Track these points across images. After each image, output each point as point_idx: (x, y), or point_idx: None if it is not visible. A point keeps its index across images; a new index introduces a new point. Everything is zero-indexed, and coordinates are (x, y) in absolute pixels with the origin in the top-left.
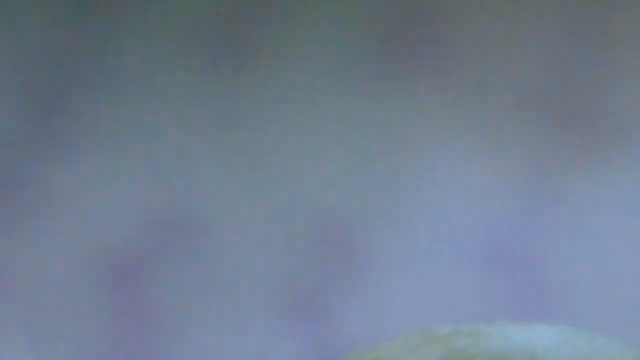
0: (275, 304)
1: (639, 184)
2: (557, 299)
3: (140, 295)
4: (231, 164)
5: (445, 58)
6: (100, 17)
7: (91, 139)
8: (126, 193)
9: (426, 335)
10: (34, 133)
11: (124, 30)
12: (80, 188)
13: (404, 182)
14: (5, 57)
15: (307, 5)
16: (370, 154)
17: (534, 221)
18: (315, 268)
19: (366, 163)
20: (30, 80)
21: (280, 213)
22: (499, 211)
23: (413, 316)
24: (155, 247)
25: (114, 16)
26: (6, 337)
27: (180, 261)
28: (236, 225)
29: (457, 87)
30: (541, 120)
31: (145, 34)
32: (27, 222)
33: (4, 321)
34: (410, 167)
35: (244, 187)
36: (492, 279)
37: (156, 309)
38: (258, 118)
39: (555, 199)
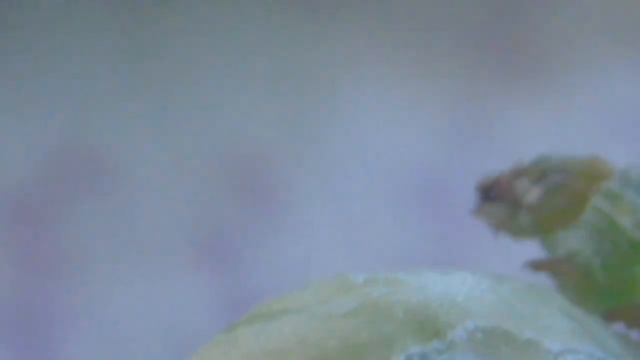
0: (184, 247)
1: (572, 115)
2: (484, 243)
3: (42, 236)
4: (141, 98)
5: None
6: None
7: None
8: (26, 128)
9: (339, 284)
10: None
11: None
12: None
13: (323, 119)
14: None
15: None
16: (287, 90)
17: (459, 160)
18: (228, 210)
19: (283, 99)
20: None
21: (191, 150)
22: (423, 150)
23: (330, 263)
24: (57, 185)
25: None
26: None
27: (83, 200)
28: (146, 165)
29: (380, 19)
30: (466, 49)
31: None
32: None
33: None
34: (330, 102)
35: (154, 122)
36: (414, 224)
37: (58, 252)
38: (170, 50)
39: (480, 133)
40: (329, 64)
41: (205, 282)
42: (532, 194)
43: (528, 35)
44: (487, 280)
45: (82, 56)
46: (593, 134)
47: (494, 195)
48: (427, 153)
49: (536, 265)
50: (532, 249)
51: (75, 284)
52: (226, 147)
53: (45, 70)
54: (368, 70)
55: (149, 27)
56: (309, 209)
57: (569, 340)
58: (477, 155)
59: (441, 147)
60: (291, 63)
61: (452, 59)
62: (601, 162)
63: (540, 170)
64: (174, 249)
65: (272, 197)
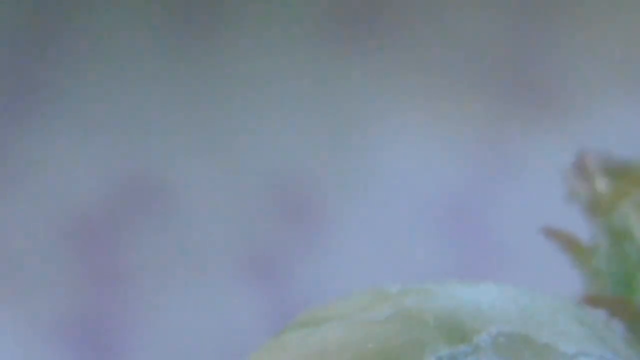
0: (234, 264)
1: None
2: (507, 260)
3: (107, 255)
4: (193, 130)
5: (400, 27)
6: None
7: (58, 106)
8: (93, 159)
9: (377, 294)
10: None
11: None
12: (47, 155)
13: (360, 147)
14: None
15: None
16: (327, 119)
17: (486, 185)
18: (273, 230)
19: (323, 128)
20: None
21: (240, 176)
22: (452, 176)
23: (367, 276)
24: (121, 211)
25: None
26: None
27: (144, 224)
28: (198, 188)
29: (416, 59)
30: (493, 82)
31: (106, 2)
32: None
33: None
34: (366, 132)
35: (205, 151)
36: (443, 241)
37: (122, 271)
38: (219, 84)
39: (506, 164)
40: (370, 98)
41: (253, 296)
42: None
43: (548, 75)
44: (509, 291)
45: (143, 94)
46: None
47: (582, 172)
48: (456, 181)
49: (591, 300)
50: (549, 271)
51: (135, 297)
52: (273, 172)
53: (111, 105)
54: (405, 104)
55: (205, 68)
56: (347, 229)
57: (582, 344)
58: (501, 184)
59: (468, 176)
60: (335, 95)
61: (479, 96)
62: None
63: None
64: (225, 266)
65: (314, 217)
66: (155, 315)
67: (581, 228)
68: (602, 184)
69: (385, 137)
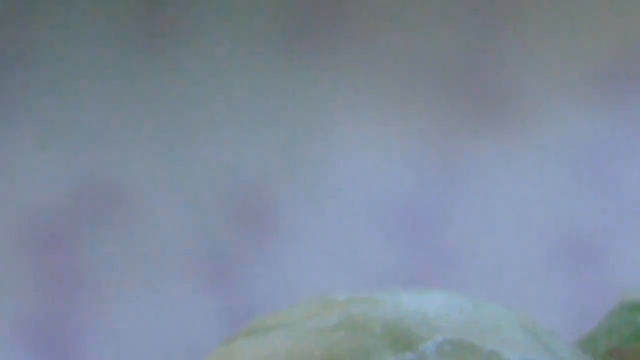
0: (189, 269)
1: (535, 150)
2: (458, 263)
3: (64, 258)
4: (150, 137)
5: (354, 41)
6: None
7: (17, 112)
8: (51, 165)
9: (324, 302)
10: None
11: (48, 3)
12: (5, 160)
13: (313, 154)
14: None
15: None
16: (283, 125)
17: (437, 191)
18: (228, 234)
19: (278, 137)
20: None
21: (196, 184)
22: (404, 182)
23: (318, 280)
24: (78, 216)
25: None
26: None
27: (102, 229)
28: (155, 194)
29: (370, 67)
30: (443, 91)
31: (67, 9)
32: None
33: None
34: (320, 140)
35: (162, 157)
36: (395, 246)
37: (80, 275)
38: (176, 92)
39: (457, 169)
40: (324, 107)
41: (207, 299)
42: None
43: (496, 82)
44: (455, 299)
45: (101, 102)
46: (549, 168)
47: None
48: (407, 187)
49: (619, 354)
50: (495, 269)
51: (92, 300)
52: (228, 178)
53: (70, 112)
54: (359, 113)
55: (163, 76)
56: (300, 234)
57: (527, 352)
58: (451, 190)
59: (419, 182)
60: (290, 105)
61: (431, 105)
62: None
63: None
64: (180, 271)
65: (268, 223)
66: (111, 317)
67: (526, 229)
68: None
69: (338, 145)
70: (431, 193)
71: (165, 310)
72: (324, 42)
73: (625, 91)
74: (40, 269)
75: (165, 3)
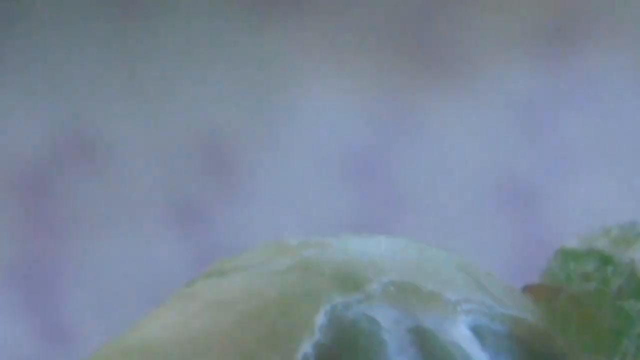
0: (161, 214)
1: (480, 103)
2: (406, 209)
3: (46, 204)
4: (126, 90)
5: (319, 2)
6: None
7: (10, 69)
8: (34, 117)
9: (278, 246)
10: None
11: None
12: None
13: (278, 109)
14: None
15: None
16: (251, 84)
17: (392, 142)
18: (197, 181)
19: (247, 92)
20: None
21: (168, 134)
22: (359, 132)
23: (280, 225)
24: (59, 165)
25: None
26: None
27: (80, 177)
28: (129, 144)
29: (331, 27)
30: (396, 53)
31: None
32: None
33: None
34: (284, 96)
35: (138, 110)
36: (351, 192)
37: (60, 220)
38: (151, 51)
39: (406, 121)
40: (287, 66)
41: (177, 242)
42: None
43: (449, 44)
44: (399, 243)
45: (82, 59)
46: (493, 120)
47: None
48: (362, 136)
49: (529, 290)
50: (446, 218)
51: (72, 242)
52: (198, 131)
53: (53, 68)
54: (320, 71)
55: (137, 34)
56: (265, 183)
57: (465, 292)
58: (401, 139)
59: (373, 131)
60: (256, 64)
61: (385, 66)
62: None
63: None
64: (153, 215)
65: (235, 171)
66: (88, 258)
67: (470, 177)
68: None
69: (301, 101)
70: (384, 145)
71: (138, 251)
72: (291, 10)
73: (562, 47)
74: (24, 213)
75: None
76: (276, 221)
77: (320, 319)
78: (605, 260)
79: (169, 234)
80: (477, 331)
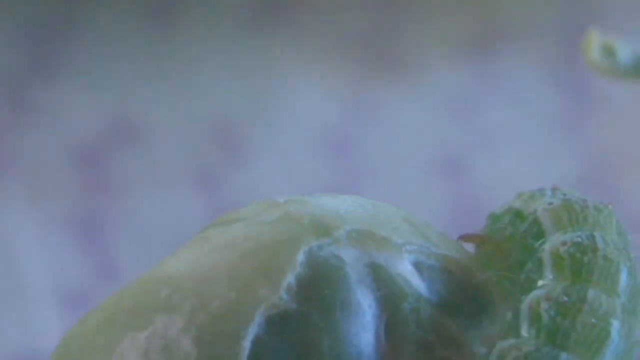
0: (185, 179)
1: (424, 96)
2: (366, 177)
3: (101, 175)
4: (159, 84)
5: (301, 19)
6: None
7: (67, 66)
8: (90, 104)
9: (269, 203)
10: (28, 58)
11: None
12: (57, 99)
13: (272, 96)
14: None
15: None
16: (251, 77)
17: (355, 122)
18: (213, 154)
19: (249, 83)
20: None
21: (192, 116)
22: (333, 115)
23: (274, 187)
24: (110, 142)
25: None
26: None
27: (124, 149)
28: (162, 125)
29: (309, 32)
30: (362, 52)
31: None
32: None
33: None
34: (276, 86)
35: (166, 99)
36: (326, 163)
37: (112, 184)
38: (178, 53)
39: (368, 107)
40: (278, 63)
41: (197, 199)
42: None
43: (398, 46)
44: (359, 200)
45: (128, 63)
46: (437, 110)
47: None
48: (335, 118)
49: (465, 238)
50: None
51: (119, 199)
52: (213, 114)
53: (102, 69)
54: (303, 67)
55: (166, 43)
56: (263, 155)
57: (408, 237)
58: (364, 121)
59: (343, 114)
60: (255, 61)
61: (353, 62)
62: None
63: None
64: (179, 179)
65: (241, 147)
66: (131, 212)
67: (415, 152)
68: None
69: (289, 90)
70: (351, 126)
71: (168, 206)
72: (283, 22)
73: (486, 49)
74: (81, 180)
75: None
76: (272, 183)
77: (300, 257)
78: (517, 213)
79: (190, 193)
80: (417, 266)
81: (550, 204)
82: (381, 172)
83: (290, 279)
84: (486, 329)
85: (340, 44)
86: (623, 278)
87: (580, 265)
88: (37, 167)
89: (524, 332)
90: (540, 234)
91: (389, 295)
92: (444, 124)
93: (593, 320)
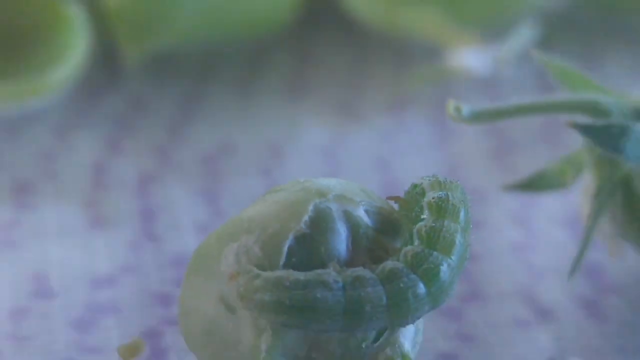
0: (256, 173)
1: (375, 137)
2: (343, 174)
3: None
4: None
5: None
6: None
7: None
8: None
9: (296, 181)
10: None
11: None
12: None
13: (298, 134)
14: None
15: None
16: (286, 123)
17: (339, 145)
18: (269, 162)
19: (284, 124)
20: None
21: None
22: (325, 140)
23: (299, 175)
24: None
25: None
26: None
27: None
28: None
29: (318, 100)
30: (337, 111)
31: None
32: None
33: None
34: (299, 127)
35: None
36: (323, 165)
37: None
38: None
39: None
40: (300, 114)
41: (261, 178)
42: None
43: (360, 104)
44: (339, 181)
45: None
46: (375, 141)
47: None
48: (328, 142)
49: (389, 198)
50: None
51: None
52: (264, 137)
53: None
54: (312, 114)
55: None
56: (294, 161)
57: (362, 198)
58: (346, 145)
59: (334, 140)
60: (288, 114)
61: (335, 114)
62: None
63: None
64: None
65: (281, 156)
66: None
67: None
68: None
69: (305, 127)
70: (337, 146)
71: (248, 190)
72: (305, 90)
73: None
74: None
75: None
76: (298, 174)
77: (310, 207)
78: (415, 185)
79: (259, 179)
80: (366, 212)
81: (429, 179)
82: (350, 170)
83: (305, 218)
84: (398, 242)
85: (331, 106)
86: (462, 214)
87: (440, 208)
88: None
89: (415, 243)
90: (423, 194)
91: (352, 225)
92: (379, 146)
93: (447, 235)
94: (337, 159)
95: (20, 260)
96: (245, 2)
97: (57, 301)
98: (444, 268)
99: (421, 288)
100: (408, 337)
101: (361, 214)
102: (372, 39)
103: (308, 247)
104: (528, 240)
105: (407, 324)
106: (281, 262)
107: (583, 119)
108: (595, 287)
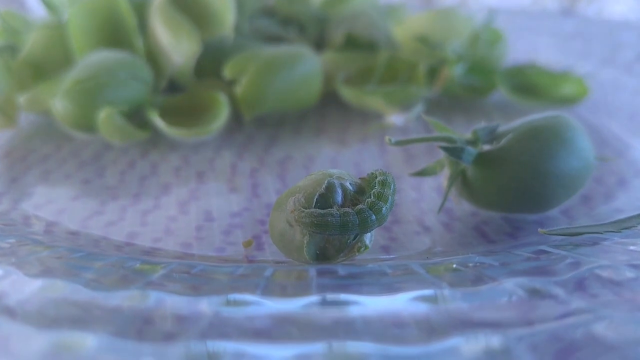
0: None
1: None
2: (336, 163)
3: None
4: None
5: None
6: None
7: None
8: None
9: (319, 171)
10: None
11: None
12: None
13: (318, 151)
14: None
15: None
16: (312, 147)
17: (338, 155)
18: (299, 164)
19: (308, 147)
20: None
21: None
22: (331, 154)
23: (322, 167)
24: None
25: None
26: None
27: None
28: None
29: (325, 135)
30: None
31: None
32: None
33: None
34: (320, 148)
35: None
36: (330, 165)
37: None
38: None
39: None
40: (320, 143)
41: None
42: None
43: (344, 134)
44: (338, 170)
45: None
46: (355, 153)
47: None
48: (334, 155)
49: (360, 178)
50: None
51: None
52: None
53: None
54: (327, 142)
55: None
56: (314, 162)
57: (348, 177)
58: (339, 155)
59: (337, 153)
60: (311, 145)
61: (333, 142)
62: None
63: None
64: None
65: (308, 161)
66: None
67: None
68: None
69: (322, 147)
70: (338, 155)
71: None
72: (319, 129)
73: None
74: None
75: None
76: (320, 167)
77: (325, 182)
78: (372, 174)
79: (302, 169)
80: (350, 183)
81: (378, 170)
82: (343, 167)
83: (324, 186)
84: (364, 197)
85: (334, 139)
86: (392, 187)
87: (383, 183)
88: None
89: (371, 198)
90: (375, 177)
91: (344, 190)
92: (356, 157)
93: (386, 195)
94: (337, 163)
95: (198, 202)
96: (299, 93)
97: (215, 223)
98: (383, 209)
99: (373, 216)
100: (368, 237)
101: (348, 185)
102: (352, 110)
103: (325, 199)
104: (421, 196)
105: (367, 232)
106: (313, 205)
107: (444, 144)
108: (448, 216)
